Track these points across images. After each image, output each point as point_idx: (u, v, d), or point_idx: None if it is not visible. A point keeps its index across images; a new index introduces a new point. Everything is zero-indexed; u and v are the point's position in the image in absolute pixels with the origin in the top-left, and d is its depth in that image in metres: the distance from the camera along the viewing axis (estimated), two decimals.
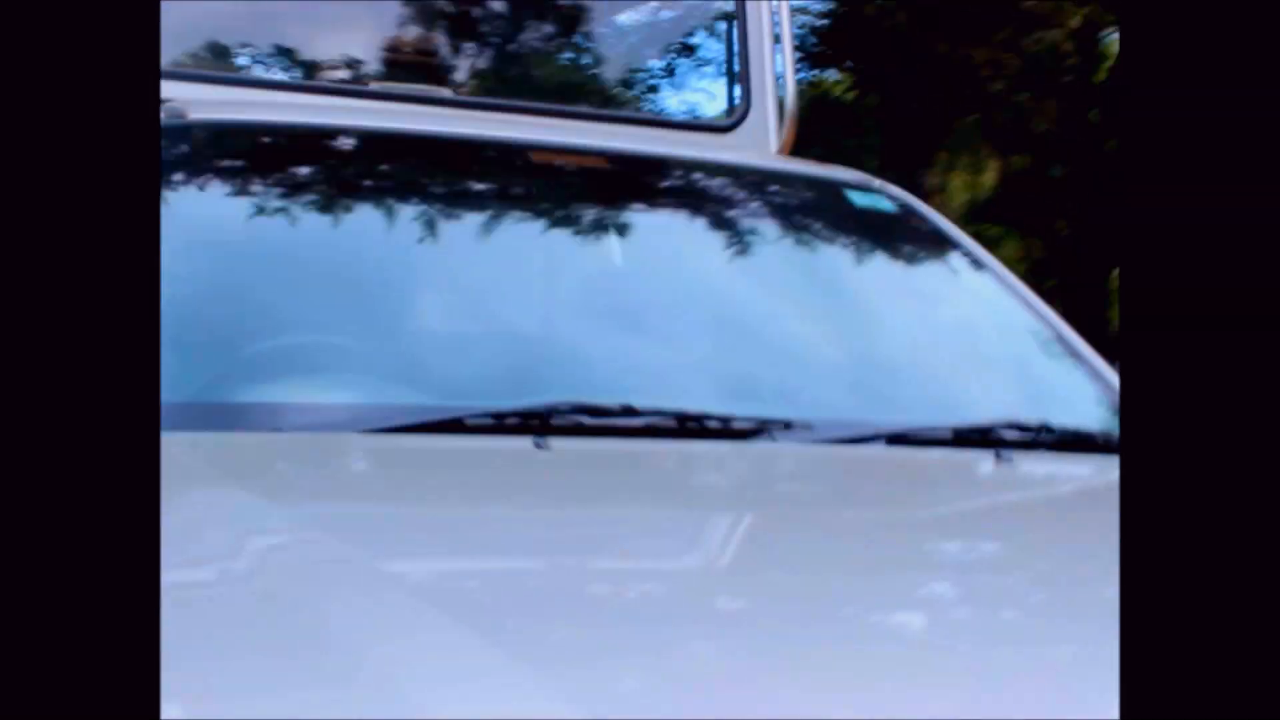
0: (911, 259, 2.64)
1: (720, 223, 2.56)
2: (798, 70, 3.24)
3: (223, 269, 2.13)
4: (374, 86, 3.19)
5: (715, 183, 2.66)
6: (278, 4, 3.20)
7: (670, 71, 3.84)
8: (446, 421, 1.87)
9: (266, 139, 2.40)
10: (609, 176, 2.59)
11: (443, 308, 2.23)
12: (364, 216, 2.33)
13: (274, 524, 1.45)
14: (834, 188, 2.72)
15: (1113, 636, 1.10)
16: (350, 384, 2.03)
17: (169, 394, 1.87)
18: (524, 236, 2.39)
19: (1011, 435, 2.12)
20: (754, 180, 2.71)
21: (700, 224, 2.54)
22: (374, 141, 2.47)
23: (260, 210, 2.26)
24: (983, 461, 2.05)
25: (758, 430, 2.01)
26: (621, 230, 2.50)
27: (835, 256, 2.63)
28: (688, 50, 3.76)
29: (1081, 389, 2.37)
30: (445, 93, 3.28)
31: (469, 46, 3.52)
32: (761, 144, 3.24)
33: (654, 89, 3.82)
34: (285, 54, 3.25)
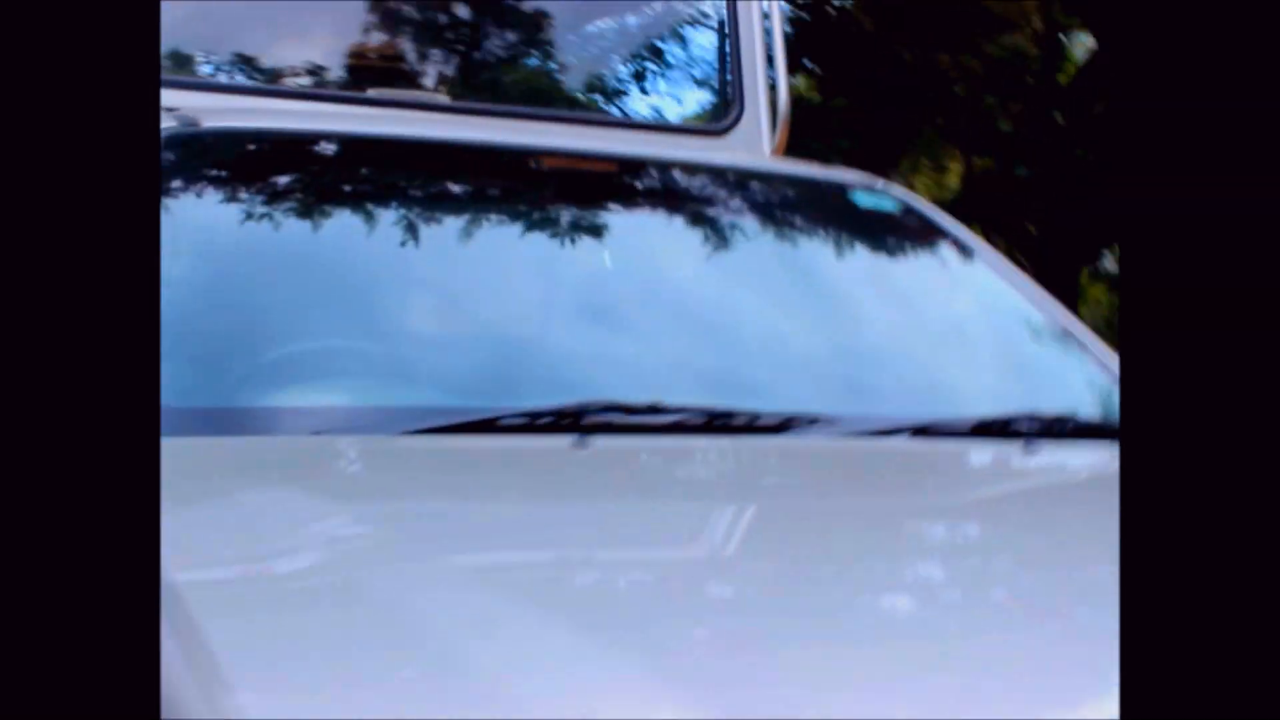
0: (919, 256, 2.67)
1: (732, 225, 2.58)
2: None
3: (248, 275, 2.14)
4: (371, 94, 3.20)
5: (724, 185, 2.68)
6: (276, 13, 3.20)
7: (661, 77, 3.85)
8: (481, 422, 1.89)
9: (283, 145, 2.42)
10: (620, 180, 2.61)
11: (464, 310, 2.24)
12: (382, 220, 2.34)
13: (344, 524, 1.46)
14: (839, 189, 2.75)
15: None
16: (376, 387, 2.05)
17: (204, 399, 1.89)
18: (540, 240, 2.41)
19: (1030, 426, 2.16)
20: (761, 182, 2.74)
21: (712, 226, 2.57)
22: (387, 147, 2.49)
23: (281, 215, 2.27)
24: (1010, 451, 2.08)
25: (784, 425, 2.03)
26: (636, 233, 2.52)
27: (846, 256, 2.66)
28: (679, 55, 3.76)
29: (1091, 379, 2.41)
30: (442, 99, 3.30)
31: (465, 53, 3.53)
32: (755, 146, 3.26)
33: (645, 93, 3.83)
34: (283, 61, 3.26)
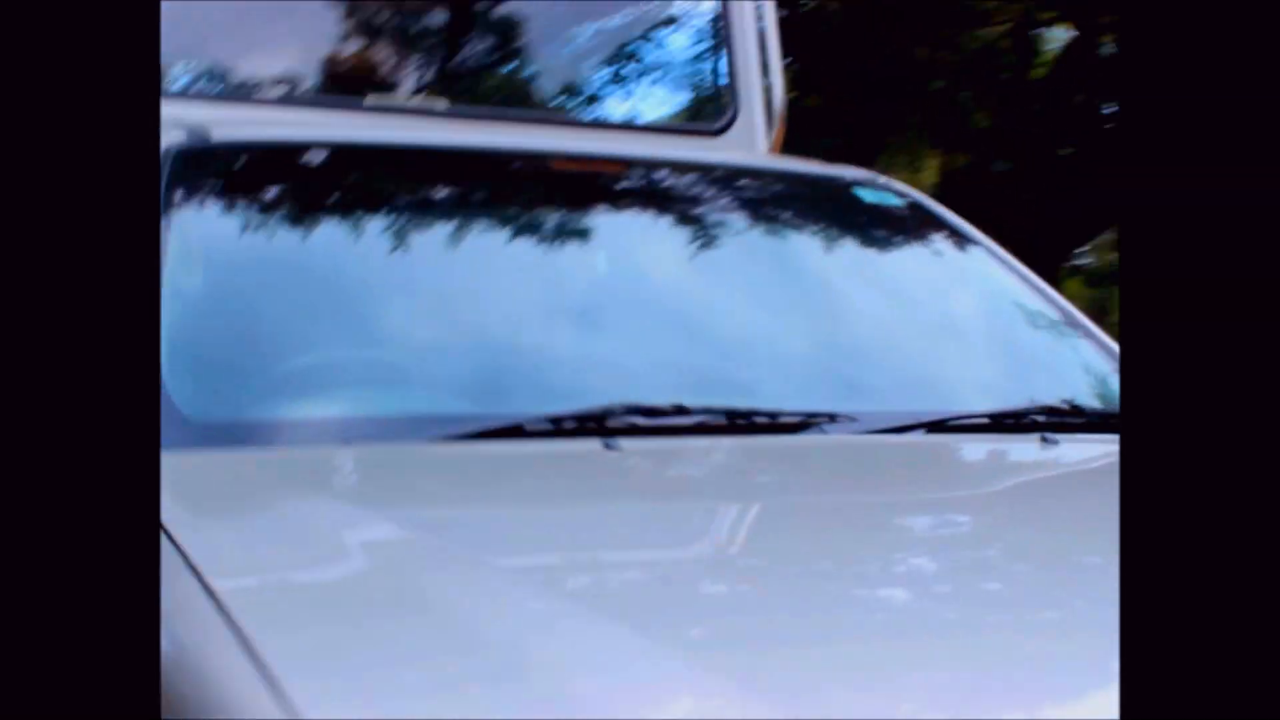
0: (926, 251, 2.69)
1: (742, 223, 2.60)
2: None
3: (269, 287, 2.15)
4: (370, 102, 3.20)
5: (733, 185, 2.70)
6: (273, 27, 3.20)
7: (656, 79, 3.86)
8: (507, 428, 1.90)
9: (295, 155, 2.42)
10: (630, 182, 2.62)
11: (482, 316, 2.25)
12: (398, 228, 2.34)
13: (390, 531, 1.47)
14: (845, 185, 2.77)
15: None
16: (398, 396, 2.05)
17: (230, 413, 1.89)
18: (550, 243, 2.42)
19: (1044, 419, 2.18)
20: (769, 180, 2.75)
21: (723, 226, 2.58)
22: (399, 154, 2.50)
23: (297, 225, 2.28)
24: (1028, 444, 2.10)
25: (805, 424, 2.05)
26: (648, 234, 2.53)
27: (855, 252, 2.68)
28: (674, 56, 3.77)
29: (1101, 371, 2.43)
30: (439, 105, 3.30)
31: (462, 60, 3.54)
32: (751, 146, 3.28)
33: (641, 95, 3.84)
34: (277, 71, 3.26)
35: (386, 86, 3.36)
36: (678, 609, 1.28)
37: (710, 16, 3.54)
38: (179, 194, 2.16)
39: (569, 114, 3.72)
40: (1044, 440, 2.09)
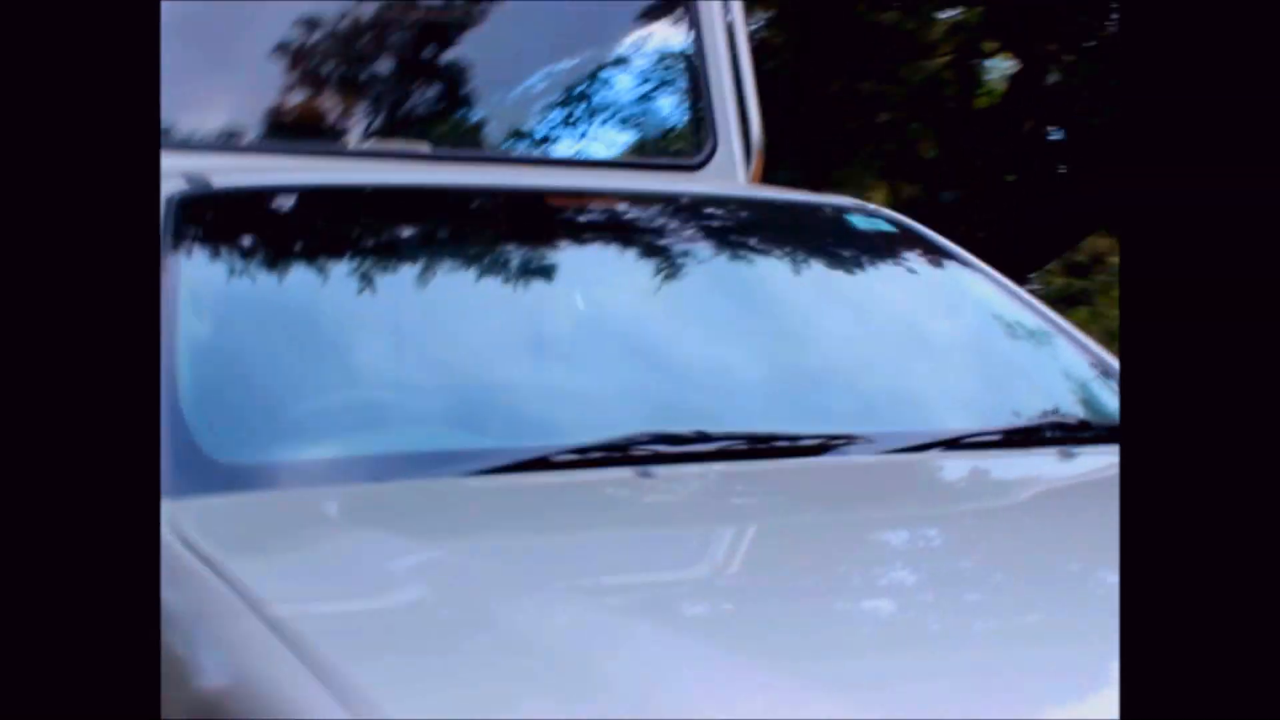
0: (923, 275, 2.72)
1: (743, 252, 2.62)
2: None
3: (289, 330, 2.16)
4: (354, 146, 3.21)
5: (727, 215, 2.72)
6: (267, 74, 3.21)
7: (634, 115, 3.89)
8: (534, 460, 1.90)
9: (298, 199, 2.43)
10: (628, 215, 2.64)
11: (495, 352, 2.26)
12: (401, 267, 2.36)
13: (448, 560, 1.48)
14: (836, 212, 2.80)
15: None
16: (423, 433, 2.06)
17: (258, 454, 1.89)
18: (563, 279, 2.44)
19: (1055, 433, 2.21)
20: (762, 211, 2.78)
21: (722, 255, 2.60)
22: (399, 195, 2.51)
23: (303, 268, 2.29)
24: (1048, 458, 2.13)
25: (824, 446, 2.06)
26: (650, 266, 2.55)
27: (857, 277, 2.71)
28: (650, 92, 3.81)
29: (1099, 383, 2.47)
30: (424, 148, 3.31)
31: (442, 103, 3.55)
32: (731, 178, 3.30)
33: (618, 131, 3.86)
34: (273, 119, 3.27)
35: (370, 131, 3.37)
36: (745, 622, 1.31)
37: (686, 51, 3.57)
38: (185, 241, 2.17)
39: (551, 153, 3.75)
40: (1063, 453, 2.12)
